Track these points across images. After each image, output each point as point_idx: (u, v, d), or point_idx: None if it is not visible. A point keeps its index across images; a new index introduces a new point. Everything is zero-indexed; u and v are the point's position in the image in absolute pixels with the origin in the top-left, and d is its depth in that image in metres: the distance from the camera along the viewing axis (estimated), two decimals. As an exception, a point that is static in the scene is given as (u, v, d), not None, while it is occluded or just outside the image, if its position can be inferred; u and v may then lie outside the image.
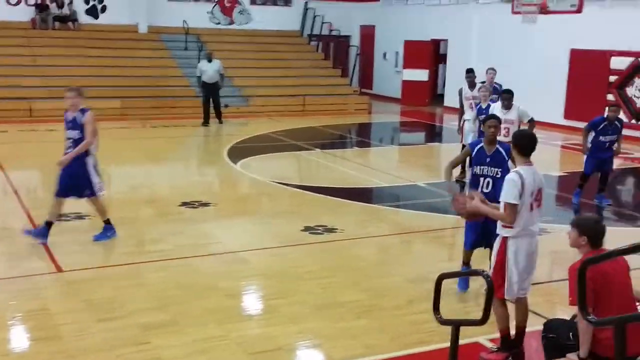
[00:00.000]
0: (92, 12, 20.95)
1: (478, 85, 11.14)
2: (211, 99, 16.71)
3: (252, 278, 6.74)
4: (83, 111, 7.19)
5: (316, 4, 23.26)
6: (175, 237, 7.86)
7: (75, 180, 7.30)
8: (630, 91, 15.56)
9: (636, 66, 15.31)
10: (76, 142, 7.19)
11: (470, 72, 11.46)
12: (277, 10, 23.37)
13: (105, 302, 5.95)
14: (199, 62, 17.39)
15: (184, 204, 9.32)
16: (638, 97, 15.39)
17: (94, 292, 6.18)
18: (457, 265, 6.64)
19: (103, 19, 20.95)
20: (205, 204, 9.39)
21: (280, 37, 22.74)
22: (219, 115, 16.88)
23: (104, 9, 21.01)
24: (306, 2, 23.33)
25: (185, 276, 6.65)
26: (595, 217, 4.48)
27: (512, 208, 4.69)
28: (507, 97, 9.59)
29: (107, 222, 7.65)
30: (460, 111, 11.49)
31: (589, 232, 4.21)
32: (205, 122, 16.66)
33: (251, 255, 7.37)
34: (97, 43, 19.62)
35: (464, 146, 10.49)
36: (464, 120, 11.26)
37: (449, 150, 15.58)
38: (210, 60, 16.65)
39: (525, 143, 4.81)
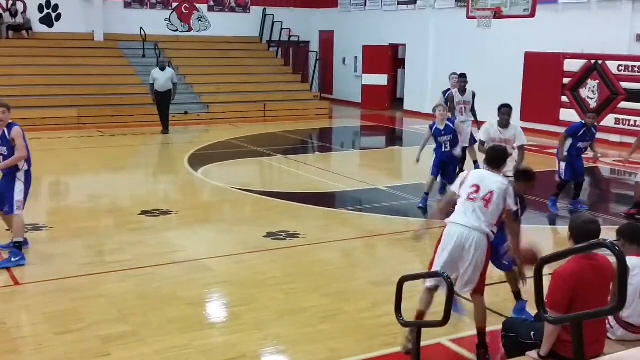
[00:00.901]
0: (47, 20, 20.60)
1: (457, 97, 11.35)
2: (163, 107, 16.60)
3: (214, 286, 6.69)
4: (10, 126, 6.93)
5: (275, 10, 23.27)
6: (135, 247, 7.77)
7: (5, 192, 7.00)
8: (583, 92, 15.93)
9: (589, 68, 15.68)
10: (5, 158, 6.95)
11: (462, 77, 11.54)
12: (235, 17, 23.31)
13: (64, 315, 5.84)
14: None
15: (144, 212, 9.21)
16: (591, 99, 15.76)
17: (52, 305, 6.05)
18: (420, 267, 6.70)
19: (58, 27, 20.62)
20: (166, 212, 9.30)
21: (239, 44, 22.69)
22: (166, 125, 16.69)
23: (58, 17, 20.69)
24: (265, 9, 23.33)
25: (146, 286, 6.57)
26: (587, 216, 4.28)
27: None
28: (506, 111, 8.78)
29: (19, 247, 7.05)
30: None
31: (576, 231, 4.04)
32: (165, 129, 16.57)
33: (213, 263, 7.32)
34: (52, 52, 19.31)
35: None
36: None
37: (410, 153, 15.73)
38: (163, 69, 16.53)
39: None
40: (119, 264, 7.14)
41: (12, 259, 6.98)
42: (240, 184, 11.12)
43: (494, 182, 5.04)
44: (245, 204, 10.19)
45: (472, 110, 11.56)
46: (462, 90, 11.45)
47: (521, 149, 8.87)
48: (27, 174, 7.09)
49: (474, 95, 11.54)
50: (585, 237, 3.91)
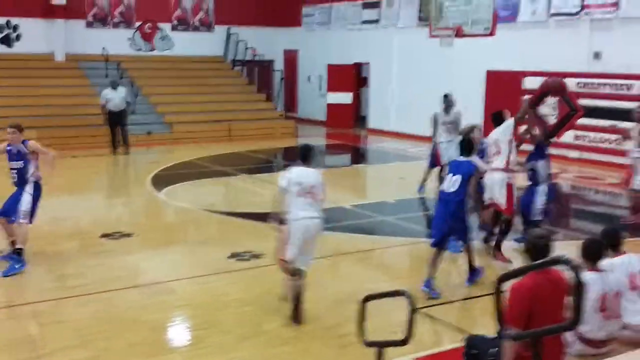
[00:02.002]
0: (6, 40, 20.30)
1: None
2: (119, 128, 16.50)
3: (177, 309, 6.61)
4: (24, 142, 7.82)
5: (239, 29, 23.31)
6: (97, 270, 7.63)
7: (14, 202, 7.65)
8: (543, 110, 16.20)
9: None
10: (20, 171, 7.72)
11: (446, 97, 11.54)
12: (199, 36, 23.28)
13: (24, 342, 5.71)
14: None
15: (105, 235, 9.07)
16: (551, 116, 16.05)
17: (12, 332, 5.92)
18: (384, 286, 6.70)
19: (18, 47, 20.33)
20: (128, 235, 9.17)
21: (203, 63, 22.64)
22: (126, 145, 16.59)
23: (18, 37, 20.40)
24: (229, 28, 23.35)
25: (108, 310, 6.46)
26: (538, 231, 4.38)
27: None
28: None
29: (19, 253, 7.55)
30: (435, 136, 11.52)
31: (529, 246, 4.14)
32: (115, 149, 16.44)
33: (176, 286, 7.23)
34: (11, 72, 18.99)
35: (434, 166, 11.47)
36: (439, 143, 11.37)
37: (375, 170, 15.83)
38: (115, 88, 16.43)
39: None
40: (80, 289, 7.01)
41: (16, 266, 7.45)
42: (205, 205, 11.04)
43: (313, 176, 6.23)
44: (209, 225, 10.11)
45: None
46: (447, 110, 11.48)
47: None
48: (36, 186, 7.81)
49: (459, 115, 11.51)
50: (538, 251, 4.01)
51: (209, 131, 19.28)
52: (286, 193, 6.15)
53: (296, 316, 6.12)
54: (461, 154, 7.20)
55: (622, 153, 11.48)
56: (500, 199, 7.79)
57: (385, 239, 9.37)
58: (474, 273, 7.14)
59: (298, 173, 6.21)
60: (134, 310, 6.49)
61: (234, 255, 8.16)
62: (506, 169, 7.79)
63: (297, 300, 6.13)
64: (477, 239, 7.80)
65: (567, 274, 3.70)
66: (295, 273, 6.12)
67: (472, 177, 6.91)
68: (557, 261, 3.71)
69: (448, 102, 11.52)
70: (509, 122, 8.01)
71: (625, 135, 10.86)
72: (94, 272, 7.58)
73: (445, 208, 6.97)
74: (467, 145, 7.21)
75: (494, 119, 8.39)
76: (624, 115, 12.38)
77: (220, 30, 23.46)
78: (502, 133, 7.95)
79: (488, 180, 7.89)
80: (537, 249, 4.06)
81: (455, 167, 7.11)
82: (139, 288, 7.12)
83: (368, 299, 4.88)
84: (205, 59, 22.82)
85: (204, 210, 10.71)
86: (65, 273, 7.65)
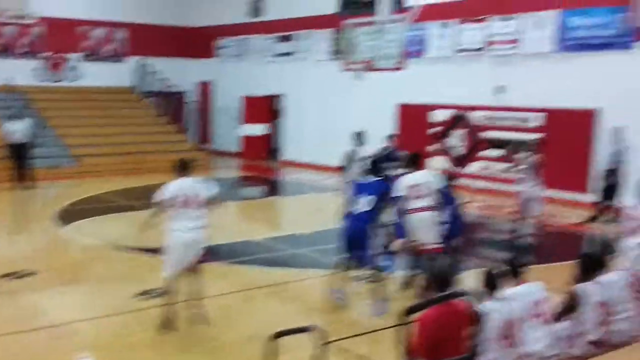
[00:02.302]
0: None
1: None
2: (21, 161, 15.85)
3: (80, 351, 6.29)
4: None
5: (151, 60, 22.98)
6: (-7, 313, 7.20)
7: None
8: (450, 141, 16.77)
9: (455, 118, 16.58)
10: None
11: (358, 135, 11.40)
12: (108, 67, 22.76)
13: None
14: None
15: (5, 275, 8.58)
16: (458, 147, 16.61)
17: None
18: (298, 320, 6.62)
19: None
20: (30, 274, 8.70)
21: (112, 94, 22.12)
22: (31, 178, 15.94)
23: None
24: (140, 58, 22.98)
25: (7, 355, 6.08)
26: (440, 263, 4.52)
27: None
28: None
29: None
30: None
31: (432, 277, 4.27)
32: (19, 182, 15.77)
33: (80, 326, 6.91)
34: None
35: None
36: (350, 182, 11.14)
37: (288, 202, 15.84)
38: (19, 119, 15.91)
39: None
40: (-27, 333, 6.57)
41: None
42: (112, 240, 10.67)
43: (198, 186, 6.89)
44: (116, 261, 9.76)
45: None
46: (360, 145, 11.28)
47: None
48: None
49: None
50: (440, 282, 4.18)
51: (118, 164, 18.75)
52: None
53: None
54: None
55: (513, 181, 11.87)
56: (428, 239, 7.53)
57: (298, 272, 9.33)
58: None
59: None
60: (35, 354, 6.16)
61: (142, 293, 7.89)
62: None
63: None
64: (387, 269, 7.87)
65: (468, 304, 3.80)
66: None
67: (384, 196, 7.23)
68: (457, 294, 3.83)
69: (360, 138, 11.45)
70: (442, 178, 8.11)
71: (516, 163, 11.28)
72: (-10, 314, 7.14)
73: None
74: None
75: (412, 160, 7.98)
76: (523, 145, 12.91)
77: (130, 61, 23.06)
78: (433, 183, 7.65)
79: (415, 220, 7.52)
80: (439, 280, 4.21)
81: (364, 188, 7.35)
82: (40, 330, 6.75)
83: (279, 335, 4.80)
84: (115, 89, 22.32)
85: (111, 246, 10.35)
86: (-42, 317, 7.19)
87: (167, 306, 6.73)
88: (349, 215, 7.35)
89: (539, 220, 11.12)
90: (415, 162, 7.92)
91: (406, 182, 7.61)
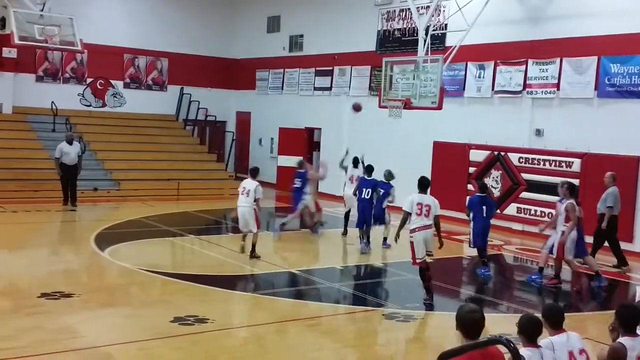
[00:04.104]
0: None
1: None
2: (71, 182, 16.69)
3: (115, 375, 6.39)
4: None
5: (192, 90, 23.45)
6: (32, 332, 7.33)
7: None
8: (487, 182, 16.67)
9: (492, 159, 16.51)
10: None
11: (389, 172, 13.76)
12: (151, 94, 23.29)
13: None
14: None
15: (44, 295, 8.76)
16: (495, 188, 16.51)
17: None
18: (331, 355, 6.63)
19: (-36, 98, 19.96)
20: (68, 295, 8.87)
21: (154, 121, 22.59)
22: (74, 199, 16.68)
23: (-34, 88, 20.07)
24: (182, 87, 23.46)
25: (41, 376, 6.19)
26: (469, 306, 4.38)
27: None
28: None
29: None
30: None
31: (461, 321, 4.17)
32: (66, 202, 16.48)
33: (115, 350, 7.00)
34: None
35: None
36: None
37: (322, 235, 15.82)
38: (71, 143, 16.64)
39: None
40: (12, 351, 6.70)
41: None
42: (149, 265, 10.82)
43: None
44: (153, 287, 9.89)
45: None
46: (355, 164, 14.87)
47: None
48: None
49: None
50: (470, 326, 4.11)
51: (157, 189, 19.08)
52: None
53: None
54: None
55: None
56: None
57: (333, 307, 9.33)
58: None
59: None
60: (70, 376, 6.25)
61: (177, 319, 7.96)
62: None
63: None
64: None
65: (503, 349, 3.78)
66: None
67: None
68: (496, 341, 3.79)
69: (389, 176, 13.54)
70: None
71: (556, 207, 11.19)
72: (28, 334, 7.27)
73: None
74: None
75: (424, 184, 9.54)
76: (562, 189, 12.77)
77: (173, 89, 23.55)
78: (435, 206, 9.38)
79: (420, 235, 9.17)
80: (469, 323, 4.13)
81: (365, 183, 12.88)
82: (75, 352, 6.86)
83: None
84: (156, 117, 22.80)
85: (149, 271, 10.49)
86: (-1, 334, 7.34)
87: None
88: (360, 199, 12.92)
89: (577, 266, 10.97)
90: (423, 184, 9.55)
91: (414, 199, 9.31)
